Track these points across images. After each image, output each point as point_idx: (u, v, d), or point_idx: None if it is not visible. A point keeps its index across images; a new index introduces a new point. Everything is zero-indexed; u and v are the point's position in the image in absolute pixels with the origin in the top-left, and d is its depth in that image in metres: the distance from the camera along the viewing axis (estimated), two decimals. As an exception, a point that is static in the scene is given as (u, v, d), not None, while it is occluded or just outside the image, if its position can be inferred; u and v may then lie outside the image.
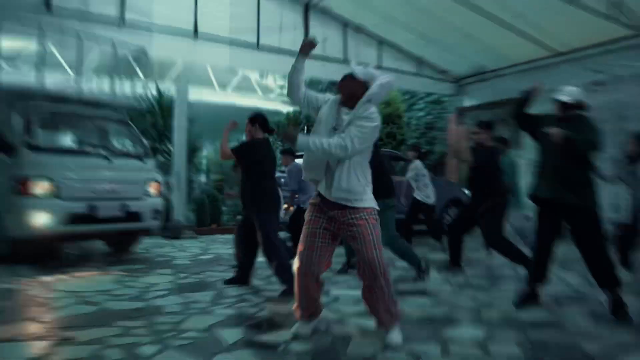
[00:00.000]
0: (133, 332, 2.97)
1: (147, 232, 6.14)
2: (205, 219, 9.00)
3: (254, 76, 13.19)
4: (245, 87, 12.77)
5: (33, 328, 3.04)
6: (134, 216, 5.57)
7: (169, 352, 2.64)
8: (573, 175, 3.49)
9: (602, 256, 3.45)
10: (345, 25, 9.69)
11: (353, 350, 2.73)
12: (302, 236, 2.87)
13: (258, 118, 4.41)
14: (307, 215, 2.88)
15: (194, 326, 3.11)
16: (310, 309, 2.97)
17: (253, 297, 3.97)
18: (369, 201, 2.77)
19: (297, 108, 12.99)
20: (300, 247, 2.87)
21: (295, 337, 2.89)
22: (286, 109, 13.15)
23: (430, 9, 8.54)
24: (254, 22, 8.73)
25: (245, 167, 4.30)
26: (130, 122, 6.28)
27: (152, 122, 8.79)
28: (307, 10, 9.25)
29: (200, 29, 8.10)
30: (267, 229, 4.05)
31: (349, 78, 2.80)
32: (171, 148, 8.61)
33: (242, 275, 4.37)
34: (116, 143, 6.06)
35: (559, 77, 9.17)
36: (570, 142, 3.34)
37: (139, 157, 5.88)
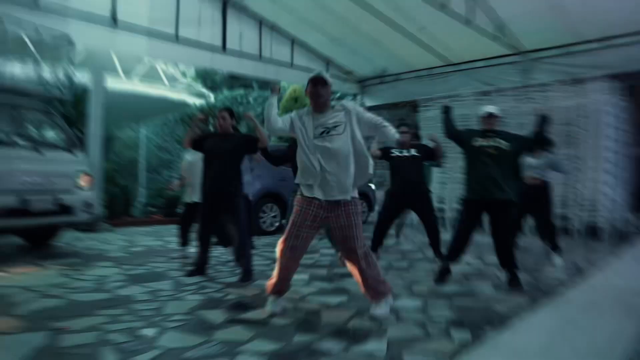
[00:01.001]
0: (121, 319, 3.19)
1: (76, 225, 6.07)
2: (118, 210, 8.87)
3: (160, 65, 12.92)
4: (151, 75, 12.47)
5: (14, 322, 3.11)
6: (66, 209, 5.50)
7: (170, 333, 2.95)
8: (504, 176, 4.26)
9: (510, 242, 4.39)
10: (261, 23, 10.05)
11: (326, 320, 3.27)
12: (291, 224, 3.27)
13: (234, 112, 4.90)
14: (296, 208, 3.29)
15: (176, 311, 3.41)
16: (284, 287, 3.46)
17: (210, 284, 4.30)
18: (355, 192, 3.29)
19: (206, 100, 13.09)
20: (288, 233, 3.27)
21: (272, 314, 3.35)
22: (192, 100, 13.11)
23: (342, 14, 9.20)
24: (173, 13, 8.72)
25: (235, 158, 4.57)
26: (54, 112, 6.10)
27: (62, 111, 8.38)
28: (225, 5, 9.42)
29: (119, 16, 7.94)
30: (244, 220, 4.53)
31: (326, 85, 3.19)
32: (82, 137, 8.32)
33: (202, 267, 4.64)
34: (42, 134, 5.86)
35: (451, 85, 10.55)
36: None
37: (68, 149, 5.78)
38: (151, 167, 17.35)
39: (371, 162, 3.28)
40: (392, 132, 3.30)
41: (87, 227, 7.64)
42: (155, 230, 8.48)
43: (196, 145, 4.64)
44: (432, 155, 5.47)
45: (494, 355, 2.47)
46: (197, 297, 3.84)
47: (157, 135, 18.18)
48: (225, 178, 4.45)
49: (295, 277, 4.58)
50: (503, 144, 4.28)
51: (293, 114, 3.34)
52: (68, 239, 6.77)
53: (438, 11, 7.60)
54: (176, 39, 8.70)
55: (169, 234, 7.83)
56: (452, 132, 4.66)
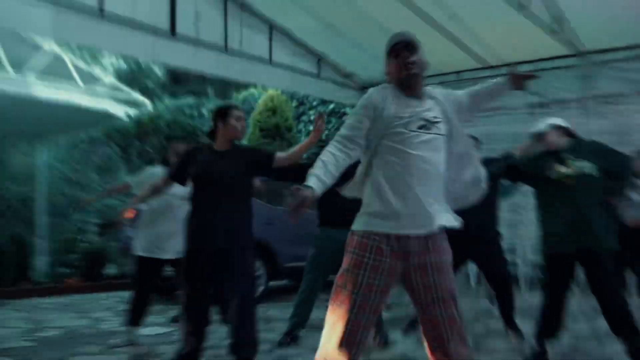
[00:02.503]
0: None
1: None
2: (8, 274, 8.18)
3: (69, 56, 12.18)
4: (56, 71, 11.71)
5: None
6: None
7: None
8: (596, 214, 4.29)
9: (622, 299, 4.35)
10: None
11: None
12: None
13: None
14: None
15: None
16: None
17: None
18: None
19: (140, 110, 12.48)
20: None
21: None
22: (120, 109, 12.47)
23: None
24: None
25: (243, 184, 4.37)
26: None
27: None
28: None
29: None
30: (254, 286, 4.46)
31: (417, 48, 3.14)
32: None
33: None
34: None
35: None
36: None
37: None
38: (55, 209, 16.42)
39: None
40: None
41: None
42: (73, 301, 8.01)
43: (179, 175, 4.39)
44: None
45: None
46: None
47: (64, 162, 17.43)
48: (230, 218, 4.11)
49: None
50: (586, 166, 4.28)
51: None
52: None
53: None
54: (100, 14, 8.04)
55: (98, 308, 7.42)
56: (515, 172, 4.88)
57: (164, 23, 8.76)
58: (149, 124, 10.12)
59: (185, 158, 4.30)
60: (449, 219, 2.90)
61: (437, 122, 2.96)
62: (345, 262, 2.87)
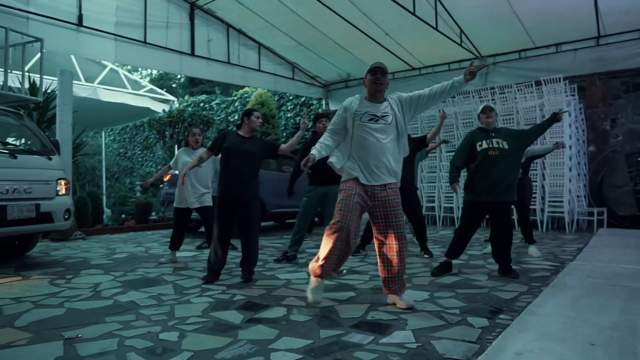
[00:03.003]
0: (135, 325, 2.98)
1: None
2: (88, 219, 8.42)
3: (122, 70, 12.38)
4: (113, 81, 11.90)
5: (19, 334, 2.86)
6: (46, 217, 5.14)
7: (193, 335, 2.79)
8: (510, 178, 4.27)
9: (510, 240, 4.38)
10: (229, 28, 9.86)
11: (344, 315, 3.20)
12: (343, 207, 3.23)
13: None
14: (347, 192, 3.28)
15: (188, 314, 3.23)
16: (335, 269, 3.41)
17: (211, 287, 4.12)
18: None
19: (171, 106, 12.67)
20: (343, 216, 3.21)
21: (313, 303, 3.36)
22: (156, 105, 12.65)
23: (308, 20, 9.20)
24: (141, 17, 8.40)
25: (256, 160, 4.45)
26: (25, 116, 5.72)
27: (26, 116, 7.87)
28: (192, 10, 9.19)
29: (85, 21, 7.56)
30: (258, 224, 4.51)
31: (385, 73, 3.37)
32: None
33: (219, 271, 4.41)
34: (16, 140, 5.47)
35: (414, 88, 10.67)
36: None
37: (45, 154, 5.42)
38: (111, 174, 16.66)
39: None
40: None
41: (60, 235, 7.21)
42: (131, 236, 8.10)
43: (216, 149, 4.42)
44: (420, 145, 5.73)
45: (525, 335, 2.49)
46: (204, 299, 3.67)
47: (118, 142, 17.52)
48: (247, 181, 4.27)
49: (296, 275, 4.56)
50: (503, 143, 4.25)
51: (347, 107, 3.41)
52: (41, 248, 6.35)
53: (402, 17, 7.78)
54: (144, 43, 8.40)
55: (148, 240, 7.56)
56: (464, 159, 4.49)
57: (186, 47, 9.07)
58: (176, 115, 10.32)
59: (220, 137, 4.38)
60: (391, 179, 3.30)
61: (384, 116, 3.29)
62: (340, 196, 3.29)
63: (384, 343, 2.65)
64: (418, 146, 5.78)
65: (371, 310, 3.29)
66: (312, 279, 3.40)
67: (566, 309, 2.97)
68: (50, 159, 5.44)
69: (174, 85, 24.73)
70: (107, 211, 10.17)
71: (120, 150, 17.18)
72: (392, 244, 3.33)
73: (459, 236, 4.50)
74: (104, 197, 14.72)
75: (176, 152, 10.73)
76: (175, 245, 5.46)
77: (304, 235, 5.48)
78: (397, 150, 3.35)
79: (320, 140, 3.39)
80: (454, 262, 4.67)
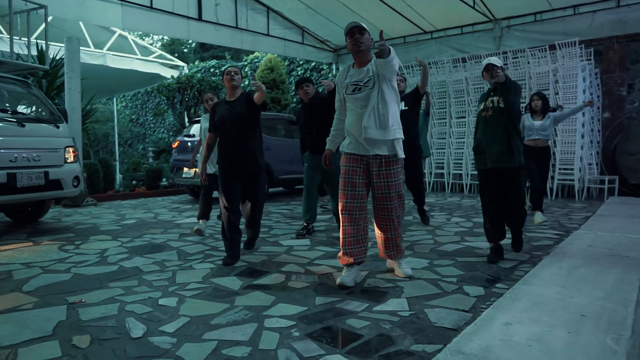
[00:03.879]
0: (136, 290, 3.07)
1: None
2: (99, 185, 8.57)
3: (131, 36, 12.29)
4: (122, 47, 11.84)
5: (25, 298, 2.96)
6: (55, 184, 5.23)
7: (191, 301, 2.86)
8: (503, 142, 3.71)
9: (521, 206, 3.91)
10: (237, -9, 9.67)
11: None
12: (343, 186, 3.15)
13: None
14: (343, 168, 3.18)
15: (189, 280, 3.31)
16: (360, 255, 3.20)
17: (214, 252, 4.20)
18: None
19: (180, 72, 12.61)
20: (342, 195, 3.15)
21: (342, 286, 3.06)
22: (165, 71, 12.60)
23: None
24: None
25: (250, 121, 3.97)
26: (33, 85, 5.75)
27: (34, 84, 7.90)
28: (199, -27, 8.98)
29: (90, -16, 7.47)
30: (264, 190, 4.30)
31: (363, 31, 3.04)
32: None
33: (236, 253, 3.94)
34: (24, 107, 5.52)
35: (426, 52, 10.51)
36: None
37: (53, 122, 5.46)
38: (124, 140, 16.82)
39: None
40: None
41: (72, 201, 7.36)
42: (141, 202, 8.22)
43: (212, 127, 4.03)
44: (416, 98, 5.23)
45: (517, 305, 2.50)
46: (206, 265, 3.75)
47: (130, 109, 17.59)
48: (245, 146, 3.90)
49: (298, 242, 4.62)
50: (499, 102, 3.69)
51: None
52: (54, 214, 6.50)
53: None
54: (151, 9, 8.28)
55: (157, 206, 7.67)
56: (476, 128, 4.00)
57: (193, 12, 8.93)
58: (185, 82, 10.25)
59: (212, 114, 4.04)
60: (383, 150, 3.09)
61: (368, 80, 3.05)
62: (341, 172, 3.18)
63: (378, 311, 2.68)
64: (415, 99, 5.26)
65: (369, 277, 3.33)
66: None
67: (562, 279, 2.97)
68: (58, 127, 5.48)
69: (185, 50, 24.54)
70: (119, 177, 10.31)
71: (133, 117, 17.26)
72: (381, 215, 3.26)
73: (483, 213, 3.94)
74: (117, 164, 14.93)
75: (186, 118, 10.77)
76: (205, 213, 5.06)
77: (317, 201, 5.16)
78: (383, 105, 3.05)
79: (333, 126, 3.39)
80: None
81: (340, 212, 3.21)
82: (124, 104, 17.92)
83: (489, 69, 3.70)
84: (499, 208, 3.82)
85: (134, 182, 9.89)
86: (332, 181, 4.73)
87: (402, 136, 3.20)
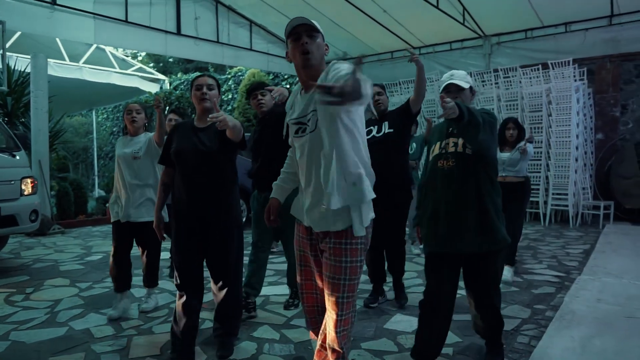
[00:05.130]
0: (79, 370, 2.59)
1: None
2: (70, 209, 8.01)
3: (109, 48, 11.74)
4: (100, 60, 11.28)
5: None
6: (8, 220, 4.71)
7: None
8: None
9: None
10: (217, 4, 9.20)
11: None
12: (296, 260, 2.19)
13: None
14: (295, 238, 2.20)
15: (144, 353, 2.82)
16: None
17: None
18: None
19: (161, 86, 12.11)
20: (298, 271, 2.19)
21: None
22: (145, 85, 12.06)
23: (303, -4, 8.55)
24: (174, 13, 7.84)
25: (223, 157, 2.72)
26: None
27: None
28: (178, -15, 8.52)
29: (59, -1, 6.95)
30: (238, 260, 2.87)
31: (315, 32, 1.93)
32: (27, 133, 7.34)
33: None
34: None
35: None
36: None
37: (8, 151, 4.94)
38: (105, 153, 16.18)
39: None
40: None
41: (36, 230, 6.80)
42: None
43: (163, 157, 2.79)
44: (406, 117, 3.55)
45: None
46: (168, 326, 3.25)
47: (111, 121, 16.97)
48: (209, 192, 2.61)
49: (275, 290, 4.07)
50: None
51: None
52: (13, 247, 5.95)
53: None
54: (126, 22, 7.79)
55: None
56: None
57: (172, 26, 8.46)
58: (162, 97, 9.77)
59: (168, 137, 2.80)
60: (335, 224, 1.89)
61: (308, 118, 1.93)
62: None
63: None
64: (404, 119, 3.56)
65: (353, 348, 2.87)
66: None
67: (577, 356, 2.54)
68: (14, 155, 4.96)
69: (171, 60, 23.94)
70: (97, 192, 9.74)
71: (114, 129, 16.62)
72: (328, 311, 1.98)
73: (420, 321, 2.52)
74: (96, 178, 14.33)
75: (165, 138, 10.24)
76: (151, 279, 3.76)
77: (267, 259, 3.63)
78: (330, 158, 1.82)
79: (284, 166, 2.27)
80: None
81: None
82: (105, 115, 17.29)
83: (451, 90, 2.45)
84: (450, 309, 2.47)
85: (107, 204, 9.32)
86: (286, 239, 3.54)
87: (369, 186, 1.90)
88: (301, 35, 1.87)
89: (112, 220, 3.63)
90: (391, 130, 3.56)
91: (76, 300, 3.84)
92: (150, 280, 3.70)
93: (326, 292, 1.94)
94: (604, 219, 7.32)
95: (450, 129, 2.46)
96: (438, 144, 2.49)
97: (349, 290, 1.90)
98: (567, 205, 7.33)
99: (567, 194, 7.26)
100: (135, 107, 3.57)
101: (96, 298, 3.90)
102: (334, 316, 1.90)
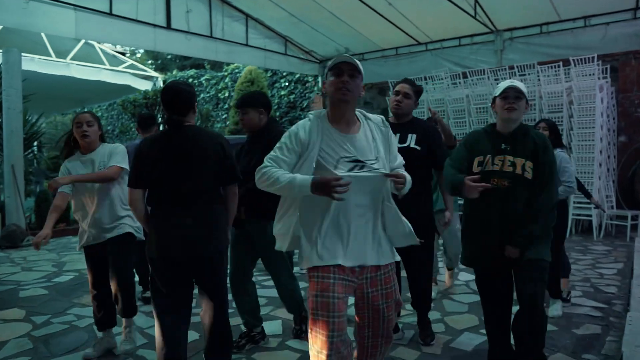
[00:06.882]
0: None
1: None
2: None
3: (97, 45, 11.00)
4: (89, 56, 10.54)
5: None
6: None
7: None
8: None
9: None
10: (210, -3, 8.46)
11: None
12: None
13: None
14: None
15: None
16: None
17: (147, 351, 3.01)
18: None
19: (154, 83, 11.41)
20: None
21: None
22: (137, 82, 11.34)
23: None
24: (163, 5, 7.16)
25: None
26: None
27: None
28: (167, -24, 7.77)
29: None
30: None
31: (358, 73, 1.92)
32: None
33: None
34: None
35: (420, 66, 9.39)
36: None
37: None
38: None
39: None
40: None
41: (8, 242, 6.11)
42: None
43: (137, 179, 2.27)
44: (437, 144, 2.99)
45: None
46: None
47: (105, 119, 16.25)
48: (193, 217, 2.23)
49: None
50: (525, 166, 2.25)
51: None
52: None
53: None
54: (110, 15, 7.02)
55: None
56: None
57: (161, 19, 7.70)
58: (153, 97, 9.04)
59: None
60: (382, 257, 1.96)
61: (375, 158, 2.04)
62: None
63: None
64: (433, 140, 2.95)
65: None
66: None
67: None
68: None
69: (169, 57, 23.17)
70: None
71: (108, 128, 15.90)
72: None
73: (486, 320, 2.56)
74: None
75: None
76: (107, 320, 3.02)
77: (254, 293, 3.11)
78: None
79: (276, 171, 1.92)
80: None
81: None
82: (98, 114, 16.57)
83: (508, 95, 2.23)
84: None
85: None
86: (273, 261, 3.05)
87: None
88: (343, 72, 1.91)
89: (80, 246, 2.97)
90: (417, 147, 2.88)
91: (24, 344, 3.12)
92: (128, 309, 2.98)
93: (378, 318, 1.97)
94: (631, 230, 6.58)
95: (504, 145, 2.29)
96: (489, 157, 2.32)
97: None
98: (590, 215, 6.60)
99: (590, 203, 6.52)
100: (85, 118, 2.87)
101: (49, 340, 3.19)
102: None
